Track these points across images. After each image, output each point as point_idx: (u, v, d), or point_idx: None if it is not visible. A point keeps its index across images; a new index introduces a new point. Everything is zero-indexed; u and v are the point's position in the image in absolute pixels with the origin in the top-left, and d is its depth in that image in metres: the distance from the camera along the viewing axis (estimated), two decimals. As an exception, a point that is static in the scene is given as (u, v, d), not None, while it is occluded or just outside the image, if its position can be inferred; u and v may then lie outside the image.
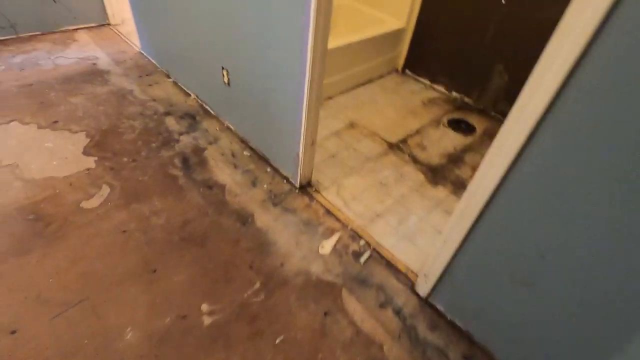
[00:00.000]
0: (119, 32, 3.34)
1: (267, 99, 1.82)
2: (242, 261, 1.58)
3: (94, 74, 2.70)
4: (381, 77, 3.10)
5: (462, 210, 1.16)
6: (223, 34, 1.89)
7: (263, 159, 2.11)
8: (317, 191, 1.95)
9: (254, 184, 1.97)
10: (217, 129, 2.32)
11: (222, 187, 1.92)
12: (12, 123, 2.15)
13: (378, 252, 1.68)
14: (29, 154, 1.96)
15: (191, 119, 2.38)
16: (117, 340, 1.28)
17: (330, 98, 2.73)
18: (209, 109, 2.45)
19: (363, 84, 2.96)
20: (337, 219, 1.82)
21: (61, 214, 1.68)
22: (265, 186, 1.96)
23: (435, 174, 2.17)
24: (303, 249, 1.66)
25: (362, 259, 1.65)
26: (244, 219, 1.77)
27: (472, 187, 1.10)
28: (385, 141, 2.37)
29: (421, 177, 2.13)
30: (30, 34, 3.08)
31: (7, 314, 1.31)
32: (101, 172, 1.91)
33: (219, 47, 1.99)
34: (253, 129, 2.11)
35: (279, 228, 1.75)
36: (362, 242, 1.72)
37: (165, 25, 2.44)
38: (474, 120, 2.69)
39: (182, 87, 2.65)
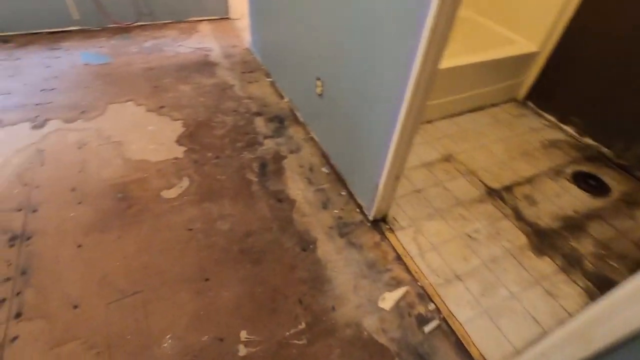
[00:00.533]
0: (236, 26, 3.52)
1: (357, 119, 1.65)
2: (292, 292, 1.46)
3: (205, 65, 2.87)
4: (495, 105, 2.67)
5: (582, 332, 0.83)
6: (323, 44, 1.78)
7: (340, 180, 1.96)
8: (391, 230, 1.73)
9: (325, 205, 1.83)
10: (302, 137, 2.24)
11: (291, 203, 1.83)
12: (128, 102, 2.39)
13: (448, 324, 1.40)
14: (134, 134, 2.14)
15: (279, 122, 2.35)
16: (155, 346, 1.27)
17: (428, 122, 2.44)
18: (298, 115, 2.39)
19: (471, 111, 2.58)
20: (408, 270, 1.57)
21: (144, 198, 1.77)
22: (335, 211, 1.81)
23: (543, 239, 1.75)
24: (360, 296, 1.47)
25: (428, 328, 1.39)
26: (306, 243, 1.65)
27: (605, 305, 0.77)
28: (485, 185, 2.01)
29: (523, 239, 1.74)
30: (164, 21, 3.43)
31: (75, 287, 1.41)
32: (186, 164, 1.99)
33: (317, 56, 1.88)
34: (336, 145, 1.97)
35: (339, 264, 1.58)
36: (431, 306, 1.45)
37: (274, 26, 2.45)
38: (609, 178, 2.13)
39: (278, 88, 2.65)
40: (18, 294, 1.38)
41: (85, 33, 3.13)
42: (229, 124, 2.30)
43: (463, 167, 2.11)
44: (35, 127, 2.12)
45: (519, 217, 1.85)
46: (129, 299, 1.39)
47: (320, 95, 1.97)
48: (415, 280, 1.54)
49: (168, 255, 1.55)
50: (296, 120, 2.37)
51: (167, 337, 1.30)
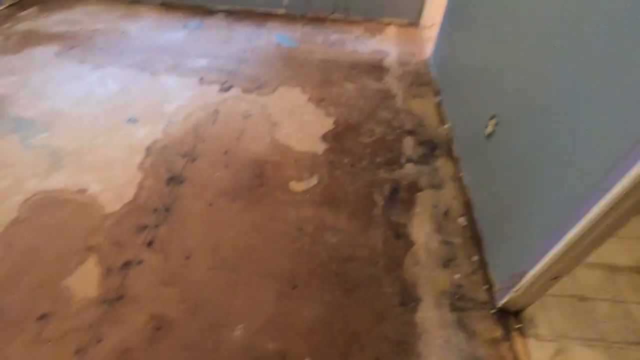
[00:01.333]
0: (422, 35, 3.33)
1: (529, 179, 1.28)
2: (371, 346, 1.28)
3: (375, 68, 2.81)
4: None
5: None
6: (516, 79, 1.43)
7: (476, 241, 1.62)
8: (521, 332, 1.32)
9: (446, 263, 1.54)
10: (449, 174, 1.95)
11: (409, 244, 1.61)
12: (296, 88, 2.54)
13: None
14: (288, 119, 2.26)
15: (430, 149, 2.10)
16: (227, 330, 1.30)
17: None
18: (454, 148, 2.08)
19: None
20: (525, 397, 1.17)
21: (273, 182, 1.85)
22: (457, 275, 1.50)
23: None
24: (448, 396, 1.17)
25: None
26: (408, 298, 1.42)
27: None
28: (702, 337, 1.33)
29: None
30: (356, 18, 3.52)
31: (193, 240, 1.57)
32: (322, 162, 1.98)
33: (502, 91, 1.54)
34: (487, 198, 1.62)
35: (437, 342, 1.30)
36: None
37: (462, 42, 2.16)
38: None
39: (443, 111, 2.37)
40: (156, 225, 1.62)
41: (288, 17, 3.48)
42: (376, 135, 2.18)
43: (670, 293, 1.45)
44: (221, 90, 2.47)
45: None
46: (225, 273, 1.47)
47: (488, 135, 1.63)
48: (531, 416, 1.13)
49: (272, 245, 1.57)
50: (449, 153, 2.08)
51: (240, 326, 1.31)
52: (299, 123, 2.23)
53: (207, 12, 3.50)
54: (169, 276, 1.45)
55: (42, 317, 1.31)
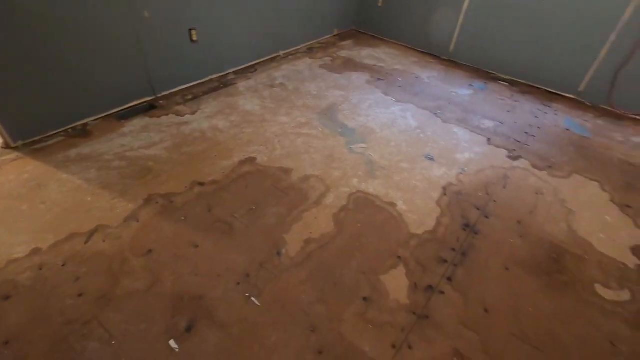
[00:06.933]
0: None
1: None
2: None
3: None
4: None
5: None
6: None
7: None
8: None
9: None
10: None
11: None
12: (593, 182, 2.34)
13: None
14: (587, 212, 2.08)
15: None
16: None
17: None
18: None
19: None
20: None
21: (575, 276, 1.72)
22: None
23: None
24: None
25: None
26: None
27: None
28: None
29: None
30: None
31: (489, 296, 1.59)
32: (634, 278, 1.73)
33: None
34: None
35: None
36: None
37: None
38: None
39: None
40: (455, 265, 1.73)
41: (576, 104, 3.31)
42: None
43: None
44: (509, 157, 2.51)
45: None
46: (528, 348, 1.42)
47: None
48: None
49: (579, 346, 1.44)
50: None
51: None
52: (601, 222, 2.04)
53: (489, 77, 3.67)
54: (470, 320, 1.50)
55: (366, 299, 1.55)
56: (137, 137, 2.33)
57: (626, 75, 3.04)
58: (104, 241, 1.67)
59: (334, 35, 4.32)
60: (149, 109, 2.63)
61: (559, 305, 1.59)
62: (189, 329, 1.37)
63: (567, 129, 2.90)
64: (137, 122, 2.47)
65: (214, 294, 1.50)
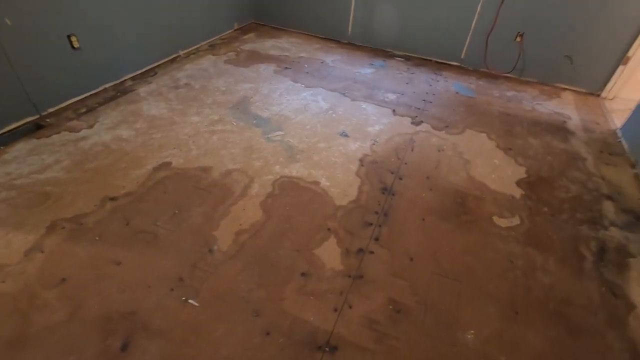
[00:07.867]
0: (604, 105, 3.29)
1: None
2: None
3: (558, 130, 2.87)
4: None
5: None
6: None
7: None
8: None
9: (676, 336, 1.49)
10: (662, 248, 1.88)
11: (630, 306, 1.59)
12: (482, 134, 2.72)
13: None
14: (480, 159, 2.43)
15: (635, 219, 2.06)
16: (459, 331, 1.44)
17: None
18: (665, 222, 2.01)
19: None
20: None
21: (477, 214, 2.00)
22: (693, 352, 1.44)
23: None
24: None
25: None
26: None
27: None
28: None
29: None
30: (529, 79, 3.64)
31: (413, 246, 1.78)
32: (520, 205, 2.08)
33: None
34: None
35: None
36: None
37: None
38: None
39: (644, 184, 2.31)
40: (379, 225, 1.88)
41: (461, 70, 3.76)
42: (572, 192, 2.22)
43: None
44: (413, 123, 2.77)
45: None
46: (448, 281, 1.63)
47: None
48: None
49: (487, 270, 1.70)
50: (659, 227, 2.01)
51: (471, 331, 1.44)
52: (491, 165, 2.38)
53: (386, 55, 3.97)
54: (399, 270, 1.66)
55: (304, 274, 1.61)
56: (25, 162, 2.06)
57: (493, 40, 3.55)
58: (3, 282, 1.47)
59: (235, 30, 4.25)
60: (35, 129, 2.33)
61: (467, 240, 1.84)
62: (124, 347, 1.30)
63: (457, 92, 3.30)
64: (22, 146, 2.17)
65: (146, 305, 1.43)
